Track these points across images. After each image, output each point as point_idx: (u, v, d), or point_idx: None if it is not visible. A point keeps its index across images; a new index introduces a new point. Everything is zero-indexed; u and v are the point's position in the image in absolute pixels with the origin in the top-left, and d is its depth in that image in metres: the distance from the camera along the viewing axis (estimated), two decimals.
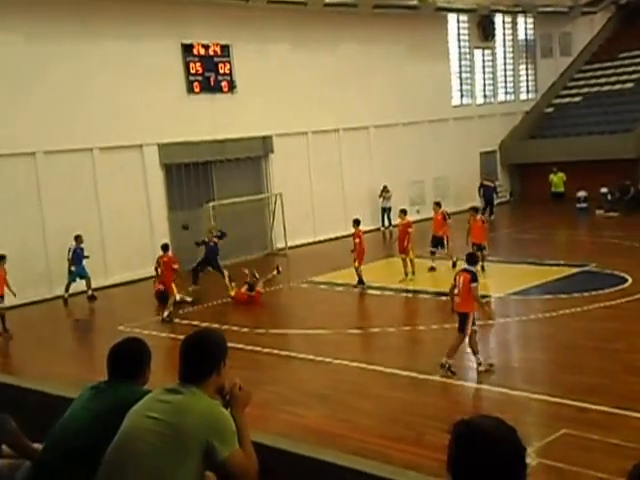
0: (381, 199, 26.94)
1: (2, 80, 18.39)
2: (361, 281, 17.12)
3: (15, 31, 18.72)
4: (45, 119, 19.02)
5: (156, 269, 17.79)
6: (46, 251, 19.28)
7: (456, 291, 10.84)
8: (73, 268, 18.27)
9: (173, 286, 16.24)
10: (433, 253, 18.61)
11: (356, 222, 17.66)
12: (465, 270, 10.90)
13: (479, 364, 10.65)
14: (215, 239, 18.58)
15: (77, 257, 18.31)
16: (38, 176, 19.20)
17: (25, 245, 18.84)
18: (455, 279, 11.03)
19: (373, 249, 23.74)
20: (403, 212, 18.70)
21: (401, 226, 18.32)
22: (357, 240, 17.34)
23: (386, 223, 27.03)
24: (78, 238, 18.33)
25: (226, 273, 17.84)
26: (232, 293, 16.81)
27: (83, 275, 18.54)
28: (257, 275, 16.83)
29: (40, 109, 18.93)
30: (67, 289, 18.41)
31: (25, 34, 18.92)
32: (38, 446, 3.93)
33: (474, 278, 10.71)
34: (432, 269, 18.33)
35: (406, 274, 17.63)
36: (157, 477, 3.14)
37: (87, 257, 18.51)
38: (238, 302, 16.53)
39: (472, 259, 11.20)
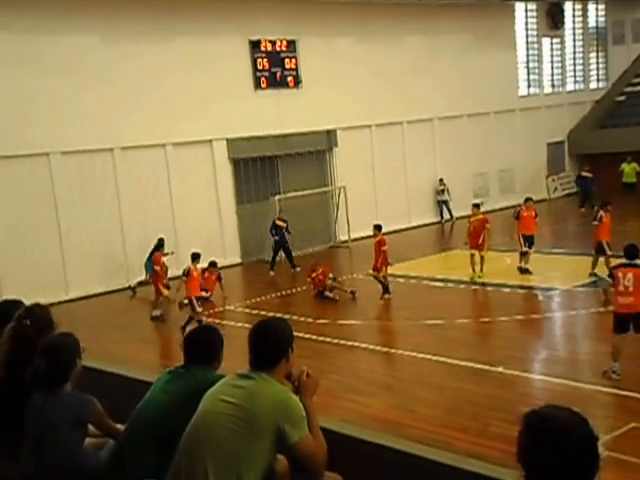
0: (439, 192, 26.84)
1: (78, 79, 19.03)
2: (386, 289, 15.80)
3: (90, 31, 19.36)
4: (120, 117, 19.63)
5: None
6: (124, 244, 20.03)
7: (621, 288, 9.77)
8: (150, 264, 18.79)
9: (160, 287, 16.18)
10: (525, 253, 16.93)
11: (378, 227, 16.14)
12: (633, 265, 9.91)
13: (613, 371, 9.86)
14: (283, 224, 19.76)
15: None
16: (116, 171, 19.93)
17: (104, 239, 19.69)
18: (617, 276, 9.88)
19: (432, 242, 23.77)
20: (477, 207, 17.83)
21: (476, 221, 17.35)
22: (384, 247, 15.74)
23: (446, 216, 26.90)
24: (161, 241, 18.31)
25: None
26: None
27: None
28: (336, 280, 16.60)
29: (115, 107, 19.56)
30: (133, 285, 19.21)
31: (98, 33, 19.58)
32: (121, 426, 4.17)
33: None
34: (526, 271, 16.76)
35: (474, 270, 16.83)
36: (232, 458, 3.28)
37: (171, 253, 18.61)
38: (315, 286, 16.55)
39: (633, 252, 10.08)
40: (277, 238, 20.04)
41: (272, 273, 19.75)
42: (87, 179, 19.50)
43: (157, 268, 16.34)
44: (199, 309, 14.32)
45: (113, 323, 16.16)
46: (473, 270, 16.89)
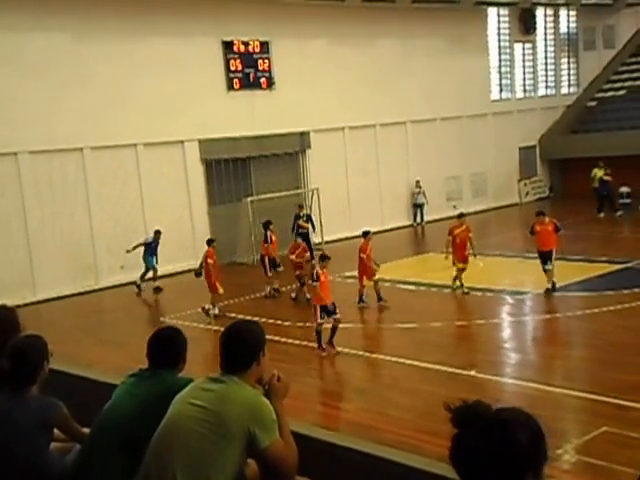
0: (413, 195, 26.94)
1: (50, 78, 18.84)
2: (361, 298, 15.33)
3: (62, 30, 19.14)
4: (91, 116, 19.44)
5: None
6: (93, 245, 19.84)
7: None
8: (150, 257, 18.99)
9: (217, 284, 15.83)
10: (546, 271, 15.22)
11: (365, 233, 15.52)
12: None
13: None
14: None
15: (153, 249, 19.05)
16: (85, 171, 19.70)
17: (74, 237, 19.42)
18: None
19: (405, 245, 23.86)
20: (462, 216, 16.54)
21: (462, 233, 16.02)
22: (363, 255, 15.16)
23: (418, 219, 27.02)
24: (158, 233, 19.07)
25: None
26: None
27: (154, 267, 19.11)
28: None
29: (86, 106, 19.36)
30: (142, 277, 19.13)
31: (71, 33, 19.34)
32: (88, 431, 4.08)
33: None
34: (550, 291, 15.08)
35: (462, 284, 15.80)
36: (202, 463, 3.23)
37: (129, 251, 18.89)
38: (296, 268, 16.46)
39: None
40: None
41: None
42: (56, 179, 19.27)
43: (211, 262, 15.87)
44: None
45: (81, 325, 15.96)
46: (462, 284, 15.83)
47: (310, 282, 12.79)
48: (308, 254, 16.84)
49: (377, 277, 15.21)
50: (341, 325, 12.26)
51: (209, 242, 16.48)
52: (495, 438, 2.01)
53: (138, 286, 19.05)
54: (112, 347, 13.79)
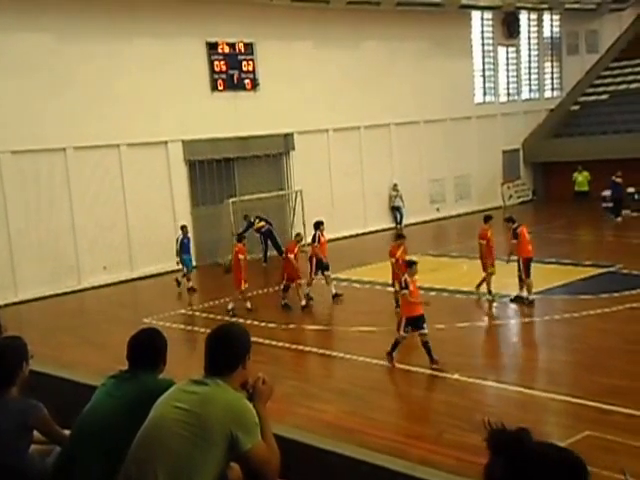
0: (391, 198, 26.98)
1: (32, 78, 18.69)
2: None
3: (45, 30, 19.00)
4: (74, 115, 19.32)
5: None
6: (75, 246, 19.65)
7: None
8: (185, 257, 18.40)
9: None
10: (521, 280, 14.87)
11: (399, 237, 15.21)
12: None
13: None
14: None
15: (184, 247, 18.51)
16: (68, 171, 19.54)
17: (55, 238, 19.27)
18: None
19: (388, 247, 23.81)
20: (489, 219, 15.71)
21: (492, 237, 15.34)
22: (393, 259, 14.46)
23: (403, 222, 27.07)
24: (184, 228, 18.70)
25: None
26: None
27: (188, 266, 18.40)
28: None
29: (68, 106, 19.22)
30: (188, 279, 18.33)
31: (55, 33, 19.20)
32: (68, 432, 4.04)
33: None
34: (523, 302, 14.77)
35: (490, 292, 15.05)
36: (183, 466, 3.21)
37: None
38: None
39: None
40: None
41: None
42: (39, 179, 19.12)
43: (242, 257, 15.35)
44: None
45: (63, 326, 15.82)
46: (490, 292, 15.08)
47: (400, 290, 11.65)
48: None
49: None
50: (322, 327, 12.21)
51: (239, 238, 16.13)
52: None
53: (179, 283, 18.28)
54: (94, 348, 13.67)
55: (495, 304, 14.95)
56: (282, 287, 15.69)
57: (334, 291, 16.09)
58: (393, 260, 14.47)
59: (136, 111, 20.35)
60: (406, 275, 11.39)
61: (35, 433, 4.08)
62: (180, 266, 18.39)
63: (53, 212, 19.30)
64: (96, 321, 16.10)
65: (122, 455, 3.40)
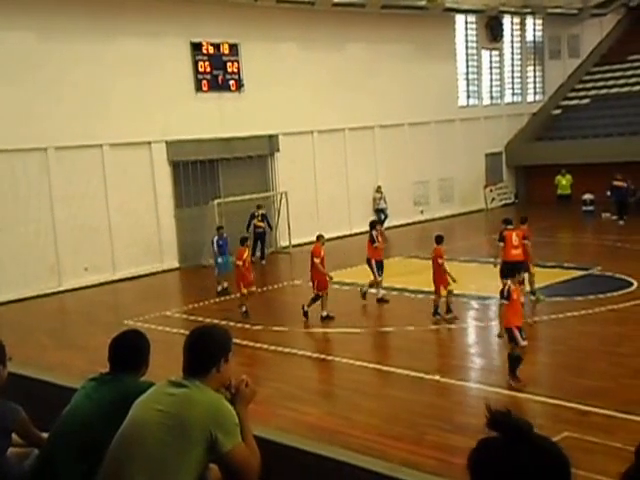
0: (375, 200, 27.04)
1: (14, 77, 18.52)
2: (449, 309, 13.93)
3: (28, 29, 18.85)
4: (56, 115, 19.16)
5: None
6: (56, 247, 19.47)
7: None
8: (220, 260, 17.61)
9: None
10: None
11: (439, 239, 14.39)
12: None
13: None
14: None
15: (221, 248, 17.76)
16: (49, 171, 19.37)
17: (36, 238, 19.07)
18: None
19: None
20: (524, 221, 15.22)
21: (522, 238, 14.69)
22: (441, 260, 14.01)
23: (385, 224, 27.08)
24: (220, 229, 18.12)
25: None
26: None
27: (226, 267, 17.43)
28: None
29: (51, 105, 19.07)
30: (219, 282, 17.62)
31: (37, 31, 19.05)
32: (46, 435, 4.02)
33: None
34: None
35: (534, 292, 14.73)
36: (162, 468, 3.20)
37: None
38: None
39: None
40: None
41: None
42: (18, 179, 18.89)
43: (239, 263, 14.92)
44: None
45: (43, 328, 15.69)
46: (533, 292, 14.74)
47: (501, 300, 10.59)
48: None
49: (450, 287, 14.02)
50: (304, 329, 12.12)
51: (242, 241, 15.49)
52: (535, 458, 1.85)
53: (219, 285, 17.67)
54: (74, 350, 13.57)
55: (543, 299, 14.67)
56: (312, 298, 14.51)
57: (381, 295, 15.58)
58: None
59: (119, 111, 20.23)
60: (509, 282, 10.42)
61: (13, 436, 4.05)
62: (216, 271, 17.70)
63: (33, 212, 19.10)
64: (77, 323, 16.00)
65: (101, 457, 3.39)
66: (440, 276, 14.04)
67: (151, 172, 21.46)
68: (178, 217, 22.11)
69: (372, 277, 15.57)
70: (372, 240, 15.70)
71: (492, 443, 1.90)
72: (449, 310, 13.95)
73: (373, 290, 15.67)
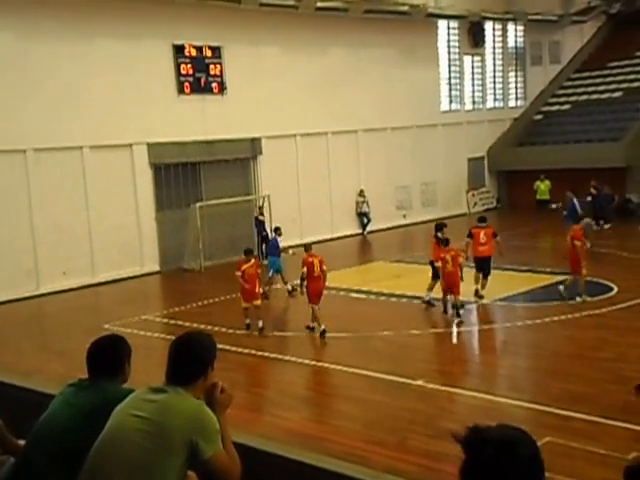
0: (358, 204, 27.02)
1: None
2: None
3: (6, 29, 18.64)
4: (35, 117, 18.95)
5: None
6: (34, 250, 19.22)
7: None
8: (272, 258, 17.25)
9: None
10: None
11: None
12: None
13: None
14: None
15: (273, 248, 17.38)
16: (28, 173, 19.14)
17: (13, 241, 18.81)
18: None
19: (354, 254, 24.00)
20: (580, 220, 15.32)
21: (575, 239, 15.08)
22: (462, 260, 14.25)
23: (368, 228, 27.08)
24: (277, 230, 17.64)
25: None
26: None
27: (278, 269, 17.12)
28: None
29: (30, 107, 18.85)
30: (267, 283, 17.13)
31: (16, 32, 18.83)
32: (23, 442, 3.94)
33: None
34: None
35: (580, 295, 14.76)
36: (142, 475, 3.16)
37: (286, 252, 17.20)
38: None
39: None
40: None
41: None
42: None
43: (238, 273, 14.02)
44: None
45: (20, 332, 15.49)
46: (580, 295, 14.77)
47: None
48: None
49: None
50: (284, 333, 11.99)
51: (245, 252, 14.54)
52: (506, 459, 2.11)
53: (266, 292, 16.84)
54: (53, 355, 13.42)
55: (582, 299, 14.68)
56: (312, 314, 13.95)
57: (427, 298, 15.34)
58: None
59: (100, 113, 20.05)
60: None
61: None
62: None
63: (11, 215, 18.84)
64: (55, 327, 15.81)
65: (79, 465, 3.33)
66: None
67: (132, 175, 21.29)
68: (159, 220, 21.94)
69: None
70: (441, 242, 14.94)
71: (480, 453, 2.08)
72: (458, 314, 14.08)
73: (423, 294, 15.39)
